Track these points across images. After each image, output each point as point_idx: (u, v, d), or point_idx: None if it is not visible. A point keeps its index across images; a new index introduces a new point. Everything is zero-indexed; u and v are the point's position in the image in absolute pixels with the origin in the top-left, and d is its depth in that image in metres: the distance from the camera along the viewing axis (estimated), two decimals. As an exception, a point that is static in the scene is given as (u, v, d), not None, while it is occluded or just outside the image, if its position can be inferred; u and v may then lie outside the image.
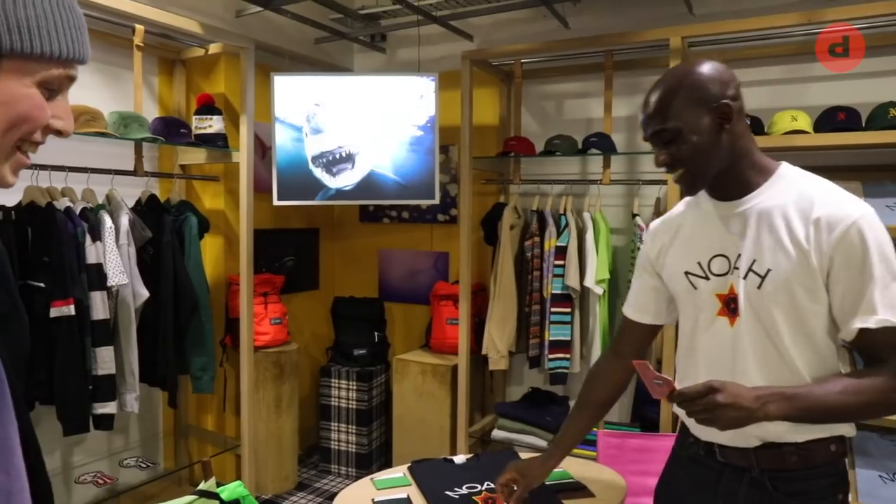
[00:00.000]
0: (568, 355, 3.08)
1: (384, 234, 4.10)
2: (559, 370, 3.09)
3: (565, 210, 3.17)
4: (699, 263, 1.31)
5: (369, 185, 3.21)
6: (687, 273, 1.33)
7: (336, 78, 3.19)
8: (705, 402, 1.09)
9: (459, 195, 3.35)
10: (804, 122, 2.62)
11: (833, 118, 2.62)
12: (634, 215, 3.08)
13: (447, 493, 1.76)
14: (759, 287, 1.21)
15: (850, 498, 2.45)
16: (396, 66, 3.97)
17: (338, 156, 3.16)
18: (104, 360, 2.52)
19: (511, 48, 3.23)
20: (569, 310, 3.08)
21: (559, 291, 3.07)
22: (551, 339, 3.08)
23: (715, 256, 1.29)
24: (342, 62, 4.06)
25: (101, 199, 2.71)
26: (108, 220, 2.57)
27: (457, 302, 3.42)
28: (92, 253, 2.49)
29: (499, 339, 3.23)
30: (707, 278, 1.30)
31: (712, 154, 1.22)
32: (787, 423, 1.18)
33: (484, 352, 3.28)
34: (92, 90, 2.87)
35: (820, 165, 2.87)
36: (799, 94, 2.97)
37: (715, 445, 1.30)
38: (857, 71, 2.87)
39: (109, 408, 2.57)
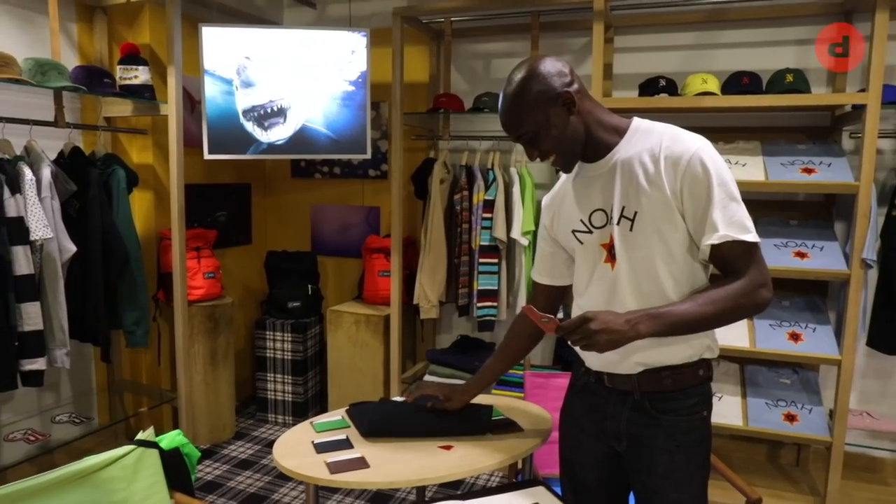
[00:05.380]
0: (495, 303, 3.26)
1: (316, 189, 4.12)
2: (487, 318, 3.27)
3: (493, 165, 3.30)
4: (582, 220, 1.48)
5: (301, 139, 3.22)
6: (574, 231, 1.51)
7: (267, 31, 3.14)
8: (581, 330, 1.26)
9: (390, 150, 3.42)
10: (713, 85, 2.83)
11: (738, 82, 2.85)
12: (558, 170, 3.23)
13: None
14: (630, 229, 1.38)
15: (742, 423, 2.77)
16: (326, 22, 3.94)
17: (269, 110, 3.15)
18: (30, 316, 2.48)
19: (441, 5, 3.28)
20: (496, 260, 3.25)
21: (487, 243, 3.23)
22: (479, 288, 3.25)
23: (595, 211, 1.46)
24: (271, 16, 3.99)
25: (18, 151, 2.61)
26: (28, 172, 2.50)
27: (388, 255, 3.53)
28: (11, 206, 2.41)
29: (430, 290, 3.37)
30: (590, 232, 1.47)
31: (572, 137, 1.40)
32: (662, 349, 1.38)
33: (415, 302, 3.42)
34: (2, 34, 2.73)
35: (725, 126, 3.15)
36: (709, 59, 3.18)
37: (603, 374, 1.48)
38: (759, 40, 3.11)
39: (38, 364, 2.53)
